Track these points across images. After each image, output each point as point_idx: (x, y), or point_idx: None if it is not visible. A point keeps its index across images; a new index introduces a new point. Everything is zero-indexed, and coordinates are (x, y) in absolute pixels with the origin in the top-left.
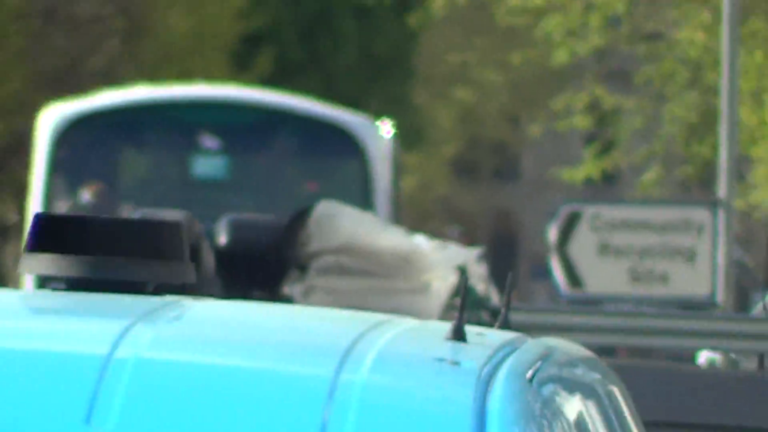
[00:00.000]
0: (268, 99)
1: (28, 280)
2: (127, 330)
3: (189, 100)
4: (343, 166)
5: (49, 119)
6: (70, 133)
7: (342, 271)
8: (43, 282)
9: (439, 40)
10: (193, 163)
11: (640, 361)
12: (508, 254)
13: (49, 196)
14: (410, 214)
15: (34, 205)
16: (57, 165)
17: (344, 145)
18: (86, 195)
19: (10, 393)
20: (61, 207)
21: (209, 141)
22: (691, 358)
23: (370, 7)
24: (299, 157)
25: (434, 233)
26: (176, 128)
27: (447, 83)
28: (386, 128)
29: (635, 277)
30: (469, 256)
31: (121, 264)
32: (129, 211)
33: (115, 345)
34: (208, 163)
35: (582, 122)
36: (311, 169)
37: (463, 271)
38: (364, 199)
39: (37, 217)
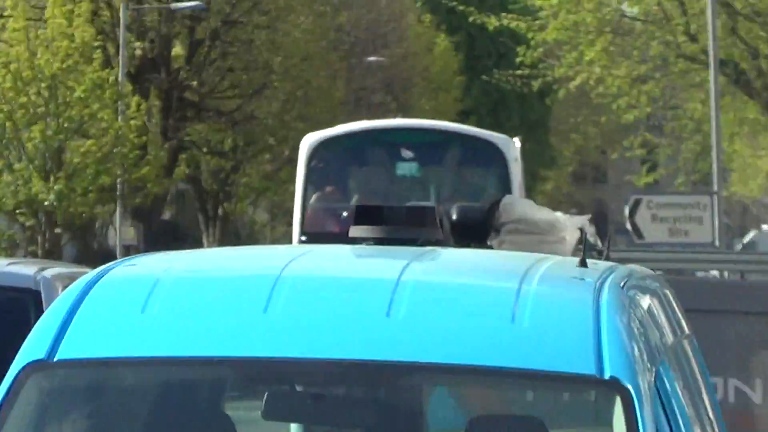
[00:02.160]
0: (443, 125)
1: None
2: (407, 264)
3: (393, 127)
4: (491, 165)
5: (306, 141)
6: (317, 149)
7: (518, 231)
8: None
9: (563, 110)
10: (396, 167)
11: (679, 276)
12: (602, 222)
13: (305, 191)
14: (550, 203)
15: (297, 196)
16: (310, 171)
17: (492, 152)
18: (325, 192)
19: (334, 299)
20: (311, 198)
21: (407, 153)
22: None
23: (526, 94)
24: (463, 160)
25: (563, 212)
26: (383, 145)
27: (568, 133)
28: (517, 142)
29: (672, 232)
30: (584, 221)
31: (403, 229)
32: (356, 201)
33: (401, 272)
34: (406, 167)
35: (640, 153)
36: (471, 167)
37: (581, 230)
38: (504, 183)
39: (358, 208)
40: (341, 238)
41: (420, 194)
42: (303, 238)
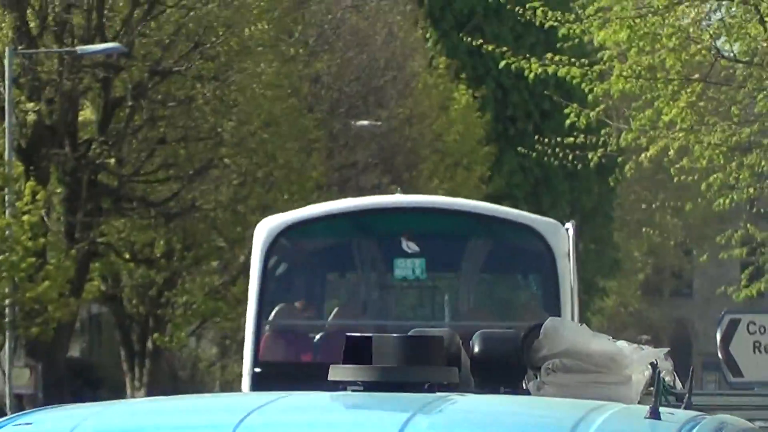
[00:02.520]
0: (462, 204)
1: (245, 382)
2: (408, 420)
3: (390, 206)
4: (531, 266)
5: (263, 229)
6: (279, 241)
7: (565, 369)
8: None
9: (630, 194)
10: (393, 267)
11: None
12: (685, 353)
13: (261, 302)
14: (611, 326)
15: (249, 309)
16: (268, 270)
17: (532, 245)
18: (291, 307)
19: None
20: (270, 313)
21: (409, 245)
22: None
23: (579, 171)
24: (491, 258)
25: (630, 339)
26: (374, 234)
27: (638, 226)
28: (569, 229)
29: None
30: (659, 354)
31: (403, 370)
32: (334, 317)
33: None
34: (408, 266)
35: (739, 253)
36: (501, 269)
37: (654, 367)
38: (549, 295)
39: (348, 338)
40: (312, 370)
41: (427, 310)
42: (257, 369)
